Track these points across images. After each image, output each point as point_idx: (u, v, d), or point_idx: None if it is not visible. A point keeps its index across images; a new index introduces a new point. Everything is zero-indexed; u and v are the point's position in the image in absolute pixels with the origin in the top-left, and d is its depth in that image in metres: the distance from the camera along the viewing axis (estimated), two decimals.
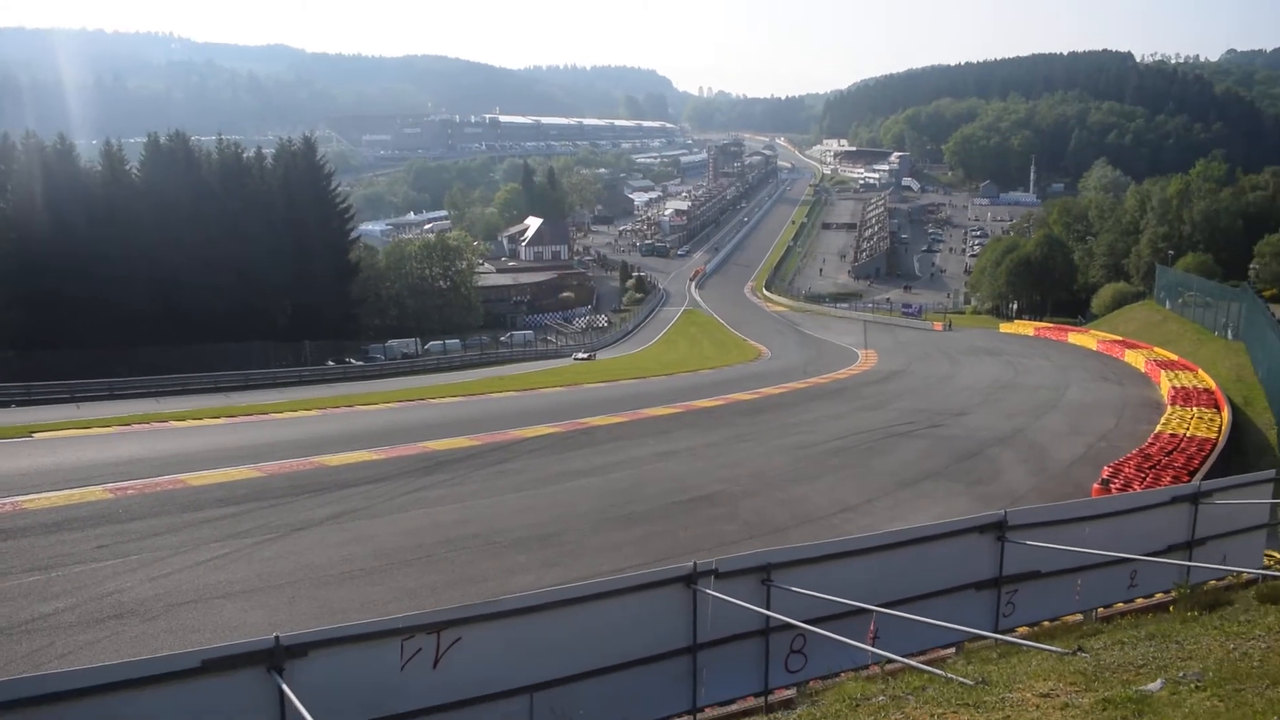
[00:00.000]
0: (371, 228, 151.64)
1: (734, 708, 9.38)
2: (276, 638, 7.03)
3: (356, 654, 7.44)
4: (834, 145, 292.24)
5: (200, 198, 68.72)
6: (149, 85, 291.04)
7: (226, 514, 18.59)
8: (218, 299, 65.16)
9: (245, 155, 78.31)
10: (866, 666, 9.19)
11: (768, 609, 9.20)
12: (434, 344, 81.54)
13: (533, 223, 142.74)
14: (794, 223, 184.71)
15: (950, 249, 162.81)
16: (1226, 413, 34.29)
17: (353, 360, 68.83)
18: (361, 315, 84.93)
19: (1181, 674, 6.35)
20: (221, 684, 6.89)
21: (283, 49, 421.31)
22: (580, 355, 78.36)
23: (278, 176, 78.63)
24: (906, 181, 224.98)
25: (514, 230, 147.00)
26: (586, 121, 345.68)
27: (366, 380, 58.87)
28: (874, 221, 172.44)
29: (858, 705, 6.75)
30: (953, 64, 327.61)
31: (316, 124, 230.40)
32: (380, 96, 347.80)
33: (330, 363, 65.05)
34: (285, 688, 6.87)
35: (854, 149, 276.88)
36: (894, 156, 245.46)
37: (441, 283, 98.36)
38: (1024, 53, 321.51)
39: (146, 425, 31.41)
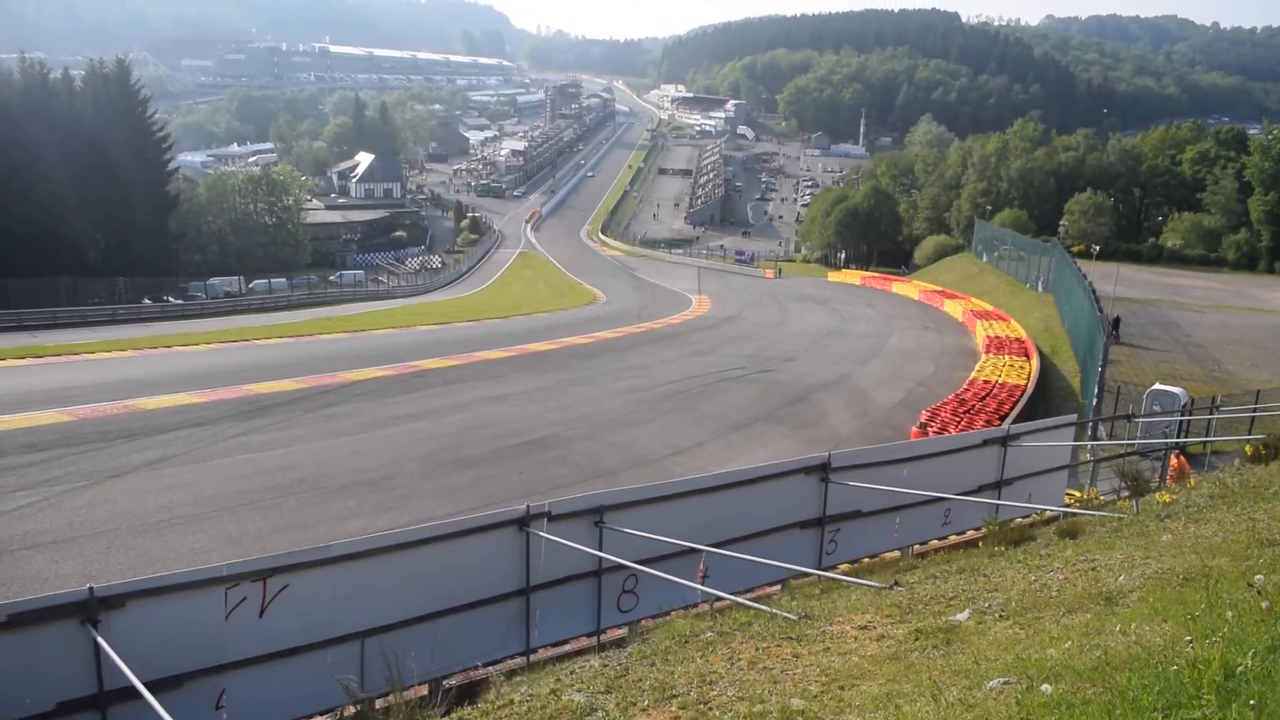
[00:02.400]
0: (191, 159, 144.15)
1: (567, 648, 9.47)
2: (91, 589, 6.71)
3: (177, 604, 7.17)
4: (671, 91, 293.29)
5: (0, 120, 63.76)
6: None
7: (33, 461, 17.58)
8: (20, 231, 60.81)
9: (52, 77, 72.97)
10: (696, 605, 9.43)
11: (600, 550, 9.30)
12: (259, 283, 78.48)
13: (364, 159, 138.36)
14: (630, 167, 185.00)
15: (782, 198, 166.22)
16: (1035, 361, 36.36)
17: (171, 299, 65.59)
18: (180, 251, 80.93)
19: (987, 604, 6.72)
20: (32, 638, 6.54)
21: None
22: None
23: (88, 101, 73.55)
24: (741, 130, 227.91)
25: (344, 166, 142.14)
26: (421, 56, 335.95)
27: (186, 320, 56.21)
28: (709, 168, 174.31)
29: (687, 642, 6.91)
30: (789, 15, 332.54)
31: (131, 46, 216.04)
32: (200, 19, 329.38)
33: (147, 301, 61.78)
34: (101, 641, 6.57)
35: (691, 95, 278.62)
36: (730, 104, 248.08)
37: (267, 219, 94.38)
38: (858, 8, 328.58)
39: None
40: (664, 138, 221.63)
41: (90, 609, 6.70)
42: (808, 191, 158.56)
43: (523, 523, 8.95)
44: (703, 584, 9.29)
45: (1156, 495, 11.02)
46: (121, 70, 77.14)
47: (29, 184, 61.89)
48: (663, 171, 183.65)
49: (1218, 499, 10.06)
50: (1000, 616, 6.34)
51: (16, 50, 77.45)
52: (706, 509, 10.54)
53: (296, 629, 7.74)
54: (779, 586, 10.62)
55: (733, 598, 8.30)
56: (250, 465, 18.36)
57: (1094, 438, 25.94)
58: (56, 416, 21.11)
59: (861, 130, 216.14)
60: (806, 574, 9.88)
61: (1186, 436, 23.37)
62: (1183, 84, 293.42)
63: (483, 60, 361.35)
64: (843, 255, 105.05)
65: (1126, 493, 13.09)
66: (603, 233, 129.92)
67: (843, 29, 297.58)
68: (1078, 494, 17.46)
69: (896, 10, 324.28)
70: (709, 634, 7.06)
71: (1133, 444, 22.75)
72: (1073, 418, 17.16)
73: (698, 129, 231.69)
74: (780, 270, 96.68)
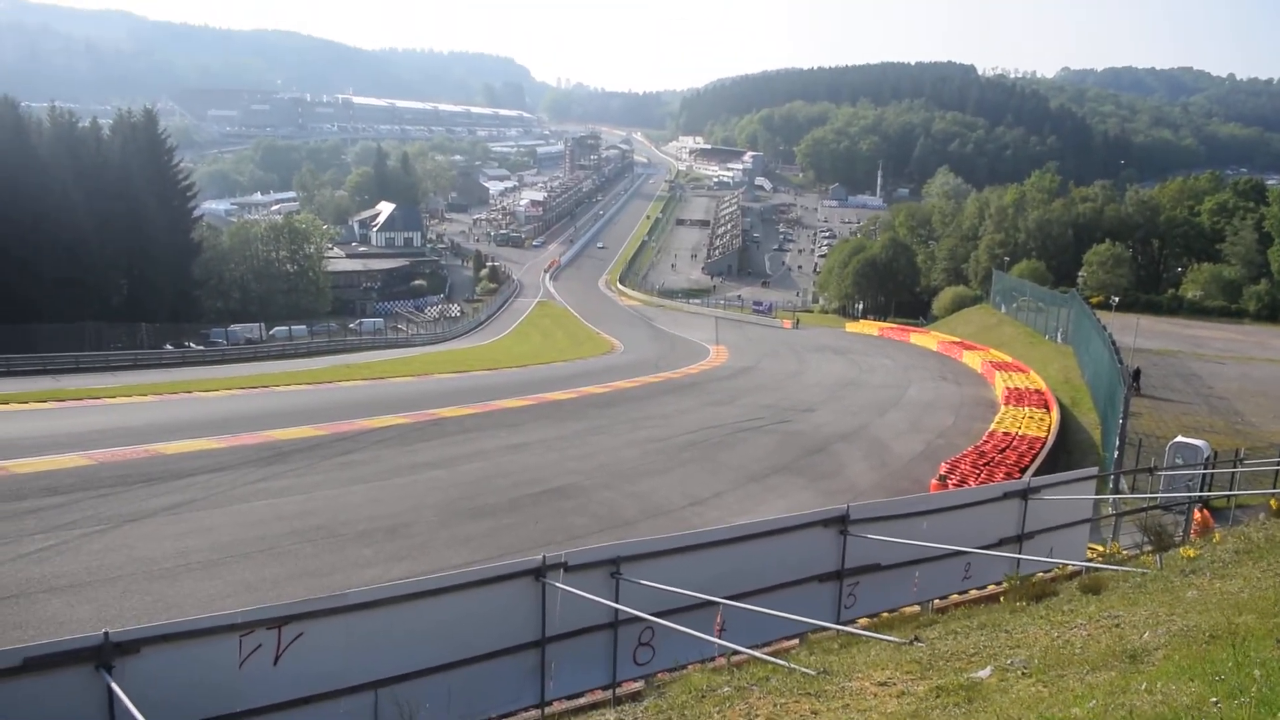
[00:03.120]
0: (216, 207, 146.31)
1: (582, 700, 9.37)
2: (106, 634, 6.69)
3: (192, 651, 7.14)
4: (689, 142, 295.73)
5: (30, 168, 64.66)
6: None
7: (52, 504, 17.62)
8: (47, 276, 61.59)
9: (80, 125, 74.09)
10: (713, 658, 9.32)
11: (616, 602, 9.22)
12: (279, 329, 79.00)
13: (385, 208, 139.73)
14: (649, 218, 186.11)
15: (800, 249, 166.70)
16: (1055, 412, 36.09)
17: (193, 344, 66.07)
18: (203, 298, 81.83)
19: (1010, 661, 6.63)
20: (46, 683, 6.52)
21: (123, 15, 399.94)
22: None
23: (115, 149, 74.69)
24: (759, 181, 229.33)
25: (365, 215, 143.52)
26: (442, 107, 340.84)
27: (207, 365, 56.60)
28: (727, 219, 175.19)
29: (704, 696, 6.83)
30: (806, 68, 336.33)
31: (158, 96, 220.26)
32: (226, 70, 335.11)
33: (169, 346, 62.22)
34: (115, 686, 6.55)
35: (709, 147, 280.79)
36: (747, 156, 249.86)
37: (288, 266, 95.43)
38: (874, 60, 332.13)
39: None
40: (682, 189, 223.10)
41: (105, 654, 6.68)
42: (825, 242, 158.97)
43: (539, 573, 8.90)
44: (720, 637, 9.19)
45: (1180, 550, 10.88)
46: (149, 119, 78.48)
47: (56, 230, 62.72)
48: (680, 222, 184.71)
49: (1243, 554, 9.92)
50: (1023, 674, 6.24)
51: (47, 100, 78.85)
52: (724, 561, 10.44)
53: (311, 677, 7.69)
54: (797, 640, 10.50)
55: (750, 652, 8.20)
56: (268, 511, 18.36)
57: (1116, 491, 25.67)
58: (76, 460, 21.19)
59: (879, 181, 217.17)
60: (825, 628, 9.76)
61: (1210, 490, 23.11)
62: (1200, 135, 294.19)
63: (503, 112, 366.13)
64: (860, 306, 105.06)
65: (1150, 547, 12.94)
66: (621, 282, 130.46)
67: (859, 81, 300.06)
68: (1100, 548, 17.25)
69: (913, 63, 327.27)
70: (726, 689, 6.97)
71: (1155, 498, 22.53)
72: (1094, 470, 17.00)
73: (715, 180, 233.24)
74: (798, 321, 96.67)
